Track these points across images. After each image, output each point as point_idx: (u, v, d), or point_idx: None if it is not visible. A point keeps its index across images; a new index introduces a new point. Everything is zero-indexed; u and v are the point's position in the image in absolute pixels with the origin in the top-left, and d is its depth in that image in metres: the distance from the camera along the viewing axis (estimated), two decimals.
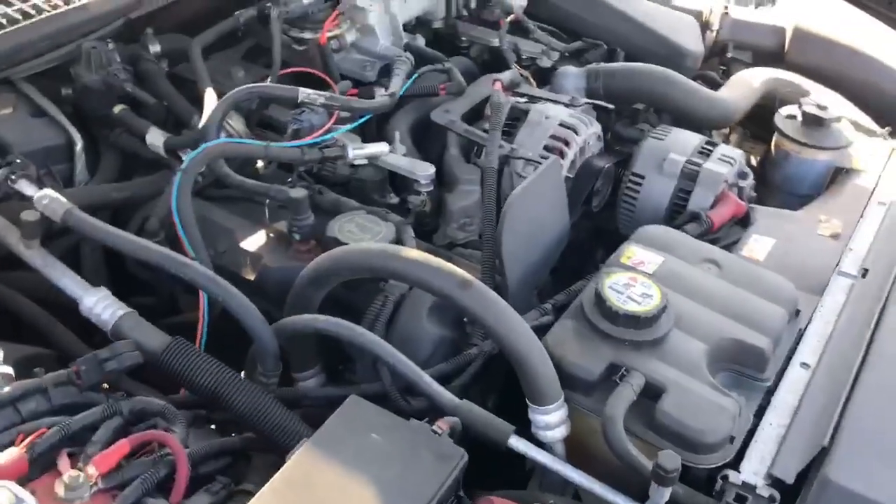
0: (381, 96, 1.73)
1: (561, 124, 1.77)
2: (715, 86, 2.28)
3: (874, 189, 1.89)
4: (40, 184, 1.48)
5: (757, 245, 1.74)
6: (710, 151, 1.83)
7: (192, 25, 1.94)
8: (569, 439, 1.30)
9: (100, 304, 1.28)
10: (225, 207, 1.68)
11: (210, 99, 1.67)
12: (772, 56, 2.39)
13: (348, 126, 1.67)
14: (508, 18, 2.10)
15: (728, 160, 1.81)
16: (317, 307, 1.42)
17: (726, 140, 2.22)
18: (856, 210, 1.83)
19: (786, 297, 1.47)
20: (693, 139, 1.86)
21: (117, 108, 1.77)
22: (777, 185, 2.10)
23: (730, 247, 1.76)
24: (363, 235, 1.52)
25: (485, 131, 1.78)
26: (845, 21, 2.36)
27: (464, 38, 2.23)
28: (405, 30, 2.08)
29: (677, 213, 1.82)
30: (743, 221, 1.85)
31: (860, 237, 1.73)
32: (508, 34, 2.15)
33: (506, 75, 1.85)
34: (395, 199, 1.73)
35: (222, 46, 1.98)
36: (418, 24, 2.18)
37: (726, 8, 2.38)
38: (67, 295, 1.33)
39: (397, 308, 1.46)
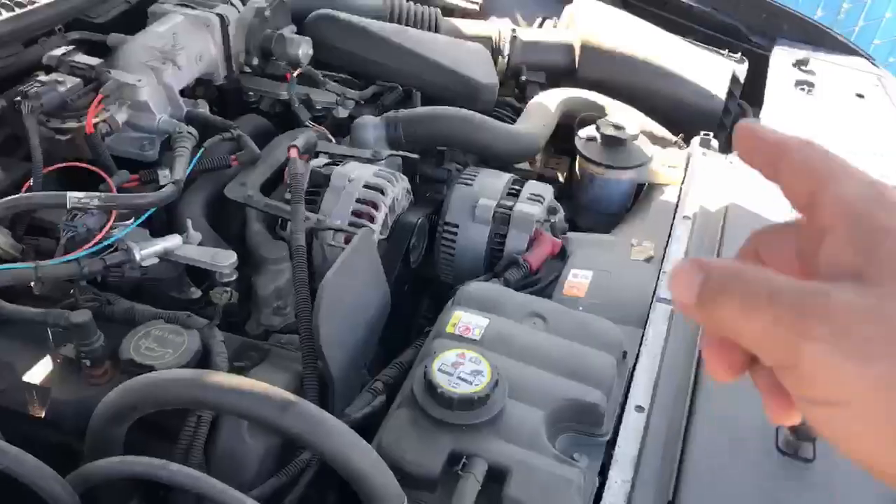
0: (166, 183, 1.56)
1: (366, 186, 1.68)
2: (514, 111, 2.29)
3: (677, 203, 1.95)
4: None
5: (576, 280, 1.75)
6: (519, 191, 1.82)
7: None
8: None
9: None
10: (0, 335, 1.47)
11: None
12: (565, 73, 2.42)
13: (131, 225, 1.50)
14: (296, 72, 1.98)
15: (537, 199, 1.80)
16: (122, 443, 1.26)
17: (531, 160, 2.22)
18: (664, 228, 1.88)
19: (612, 341, 1.47)
20: (500, 181, 1.84)
21: None
22: (585, 206, 2.14)
23: (551, 284, 1.75)
24: (164, 350, 1.36)
25: (286, 202, 1.67)
26: (627, 31, 2.43)
27: (251, 93, 2.09)
28: (185, 95, 1.92)
29: (495, 258, 1.79)
30: (560, 255, 1.85)
31: (672, 258, 1.77)
32: (299, 85, 2.04)
33: (300, 139, 1.73)
34: (196, 294, 1.58)
35: None
36: (198, 85, 2.02)
37: (514, 31, 2.38)
38: None
39: (214, 427, 1.32)
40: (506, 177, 1.85)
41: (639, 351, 1.53)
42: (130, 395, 1.21)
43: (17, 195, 1.43)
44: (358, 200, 1.67)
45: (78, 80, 1.62)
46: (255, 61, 1.97)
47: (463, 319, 1.47)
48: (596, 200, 2.10)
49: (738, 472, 1.29)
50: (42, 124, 1.60)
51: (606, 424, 1.37)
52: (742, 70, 2.53)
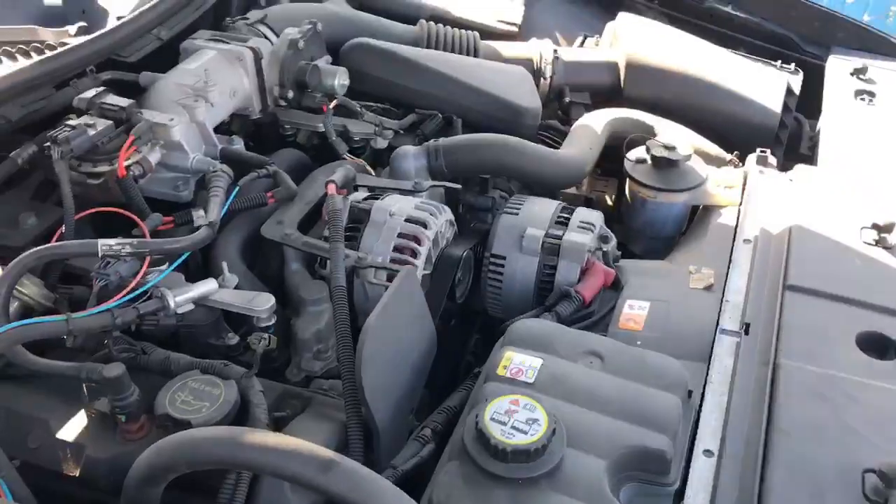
0: (200, 225, 1.51)
1: (408, 219, 1.61)
2: (559, 134, 2.20)
3: (737, 226, 1.84)
4: None
5: (632, 312, 1.64)
6: (568, 220, 1.72)
7: None
8: None
9: None
10: (34, 389, 1.42)
11: None
12: (609, 93, 2.33)
13: (166, 271, 1.44)
14: (332, 104, 1.92)
15: (587, 227, 1.71)
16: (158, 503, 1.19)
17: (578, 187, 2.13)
18: (724, 252, 1.77)
19: (676, 380, 1.36)
20: (548, 209, 1.75)
21: None
22: (637, 231, 2.03)
23: (606, 317, 1.65)
24: (201, 404, 1.30)
25: (325, 239, 1.60)
26: (673, 46, 2.33)
27: (287, 126, 2.04)
28: (220, 131, 1.88)
29: (545, 290, 1.70)
30: (614, 285, 1.75)
31: (733, 286, 1.66)
32: (336, 116, 1.98)
33: (338, 174, 1.67)
34: (234, 340, 1.51)
35: (6, 186, 1.70)
36: (234, 120, 1.98)
37: (556, 51, 2.30)
38: None
39: (254, 484, 1.25)
40: (554, 204, 1.77)
41: (704, 389, 1.42)
42: (164, 456, 1.15)
43: (48, 245, 1.39)
44: (400, 235, 1.60)
45: (109, 122, 1.58)
46: (291, 94, 1.91)
47: (515, 360, 1.38)
48: (648, 225, 1.99)
49: None
50: (73, 169, 1.56)
51: (674, 472, 1.26)
52: (797, 82, 2.42)
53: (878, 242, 1.70)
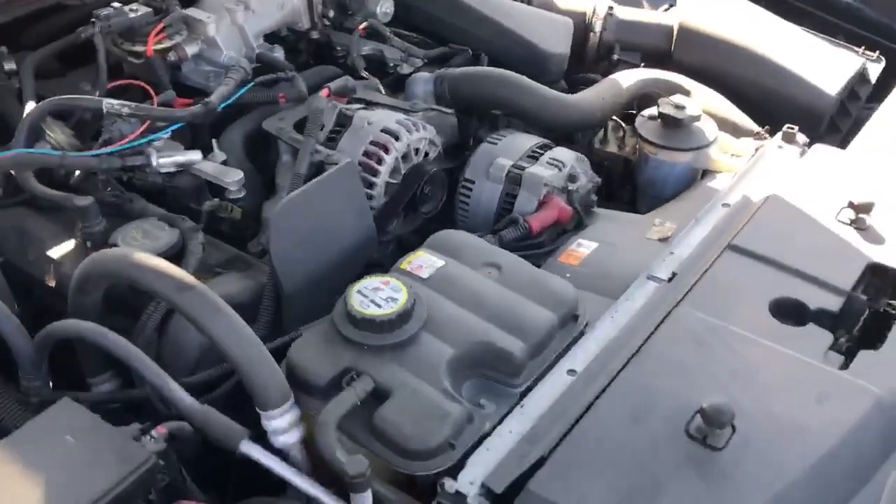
0: (202, 104, 1.74)
1: (383, 130, 1.75)
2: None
3: (724, 191, 1.81)
4: None
5: (576, 249, 1.70)
6: (540, 155, 1.79)
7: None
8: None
9: None
10: (45, 216, 1.72)
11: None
12: (660, 56, 2.32)
13: (160, 134, 1.69)
14: (362, 25, 2.09)
15: (556, 164, 1.77)
16: (92, 312, 1.43)
17: (604, 140, 2.15)
18: (698, 211, 1.76)
19: (561, 301, 1.42)
20: (527, 143, 1.83)
21: None
22: (641, 188, 2.05)
23: (555, 252, 1.72)
24: (144, 241, 1.53)
25: None
26: (734, 16, 2.27)
27: (339, 48, 2.23)
28: (272, 41, 2.11)
29: (505, 217, 1.78)
30: (578, 226, 1.80)
31: (686, 241, 1.66)
32: (375, 41, 2.15)
33: (337, 82, 1.84)
34: (210, 207, 1.73)
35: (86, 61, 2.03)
36: (301, 39, 2.19)
37: (611, 8, 2.32)
38: None
39: (170, 313, 1.46)
40: (534, 140, 1.84)
41: (599, 320, 1.46)
42: (88, 268, 1.38)
43: (63, 96, 1.66)
44: (371, 142, 1.74)
45: (150, 9, 1.84)
46: (331, 13, 2.10)
47: (419, 259, 1.49)
48: (650, 183, 2.00)
49: (633, 443, 1.21)
50: (118, 46, 1.84)
51: (524, 377, 1.33)
52: (875, 70, 2.27)
53: (852, 222, 1.63)
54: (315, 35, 2.20)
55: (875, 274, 1.54)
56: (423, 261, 1.49)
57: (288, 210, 1.47)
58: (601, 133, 2.13)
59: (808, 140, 1.97)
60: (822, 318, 1.43)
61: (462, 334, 1.34)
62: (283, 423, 1.25)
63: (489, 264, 1.49)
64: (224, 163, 1.76)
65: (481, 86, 1.94)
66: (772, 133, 2.07)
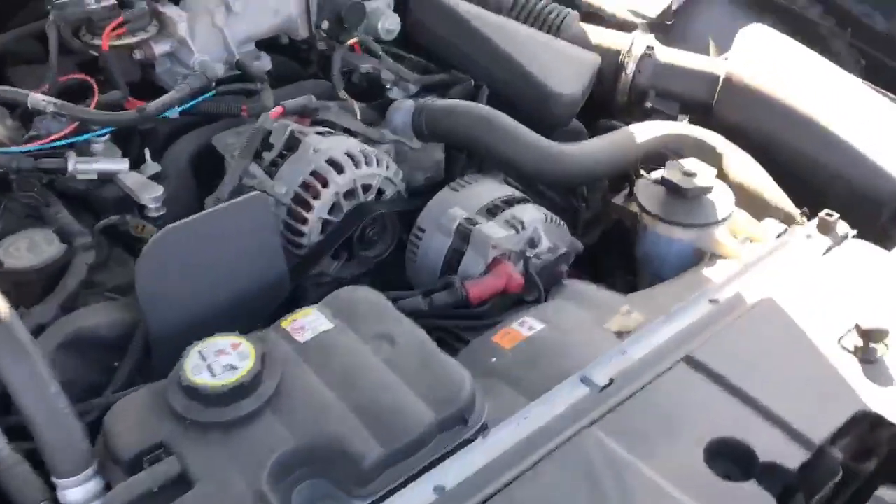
0: (136, 110, 1.60)
1: (328, 161, 1.55)
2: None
3: (718, 283, 1.50)
4: None
5: (516, 329, 1.44)
6: (501, 210, 1.54)
7: None
8: None
9: None
10: None
11: None
12: (704, 111, 1.99)
13: (87, 136, 1.56)
14: (352, 41, 1.90)
15: (514, 224, 1.51)
16: None
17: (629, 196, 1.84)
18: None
19: (450, 398, 1.17)
20: (490, 194, 1.58)
21: None
22: (639, 262, 1.75)
23: (495, 326, 1.46)
24: (25, 254, 1.41)
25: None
26: (797, 72, 1.91)
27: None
28: (272, 49, 1.96)
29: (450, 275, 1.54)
30: (537, 299, 1.54)
31: (650, 340, 1.37)
32: (376, 58, 1.95)
33: (295, 101, 1.66)
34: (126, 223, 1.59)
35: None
36: (307, 46, 2.03)
37: (650, 48, 2.01)
38: None
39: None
40: (502, 191, 1.59)
41: (493, 430, 1.19)
42: None
43: None
44: (312, 173, 1.55)
45: (114, 2, 1.72)
46: (325, 25, 1.92)
47: (306, 318, 1.29)
48: (647, 258, 1.71)
49: None
50: (78, 37, 1.73)
51: (375, 487, 1.10)
52: None
53: (857, 350, 1.29)
54: (322, 46, 2.04)
55: (868, 427, 1.20)
56: (310, 321, 1.28)
57: (166, 240, 1.30)
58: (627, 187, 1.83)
59: (850, 232, 1.63)
60: (772, 475, 1.12)
61: (311, 423, 1.12)
62: (80, 495, 1.08)
63: (383, 336, 1.26)
64: (157, 176, 1.62)
65: (454, 121, 1.70)
66: (808, 216, 1.73)
